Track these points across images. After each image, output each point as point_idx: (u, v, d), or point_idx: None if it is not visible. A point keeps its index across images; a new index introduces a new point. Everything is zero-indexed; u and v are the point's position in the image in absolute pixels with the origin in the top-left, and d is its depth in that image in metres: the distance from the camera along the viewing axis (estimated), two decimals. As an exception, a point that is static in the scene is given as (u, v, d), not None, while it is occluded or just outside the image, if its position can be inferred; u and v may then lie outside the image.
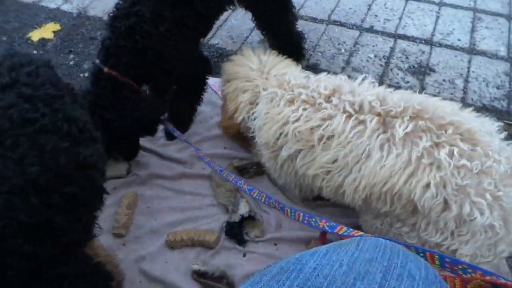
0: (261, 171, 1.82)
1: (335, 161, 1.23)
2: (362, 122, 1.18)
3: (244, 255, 1.58)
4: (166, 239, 1.61)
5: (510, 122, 2.03)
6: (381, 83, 2.28)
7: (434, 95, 2.18)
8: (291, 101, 1.36)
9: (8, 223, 0.89)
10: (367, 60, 2.43)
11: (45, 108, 1.04)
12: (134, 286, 1.50)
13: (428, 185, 1.06)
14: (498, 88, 2.22)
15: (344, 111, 1.23)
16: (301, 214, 1.19)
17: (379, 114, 1.17)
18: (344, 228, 1.06)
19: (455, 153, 1.03)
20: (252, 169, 1.83)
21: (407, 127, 1.10)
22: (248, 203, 1.69)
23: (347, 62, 2.42)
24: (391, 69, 2.36)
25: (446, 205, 1.06)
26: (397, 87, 2.25)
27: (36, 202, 0.93)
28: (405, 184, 1.09)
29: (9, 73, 1.06)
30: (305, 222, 1.21)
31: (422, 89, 2.24)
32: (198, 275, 1.49)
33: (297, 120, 1.30)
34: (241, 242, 1.60)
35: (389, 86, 2.24)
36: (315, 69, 2.37)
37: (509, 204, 1.03)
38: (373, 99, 1.20)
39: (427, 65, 2.37)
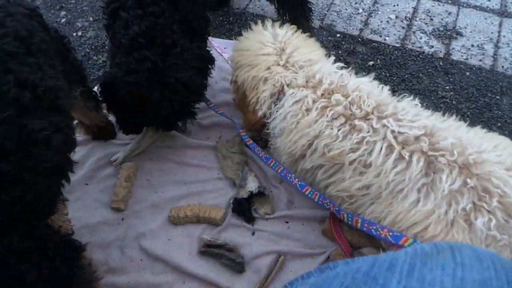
0: (267, 143, 1.68)
1: (364, 188, 1.14)
2: (404, 158, 1.07)
3: (253, 234, 1.46)
4: (169, 215, 1.49)
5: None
6: (402, 47, 2.08)
7: (461, 62, 2.00)
8: (324, 109, 1.20)
9: None
10: (387, 21, 2.22)
11: None
12: (134, 264, 1.39)
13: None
14: (531, 54, 2.02)
15: (385, 139, 1.10)
16: (360, 220, 1.14)
17: (424, 153, 1.06)
18: (410, 240, 1.04)
19: (491, 225, 0.97)
20: (260, 141, 1.68)
21: (454, 182, 1.01)
22: (257, 178, 1.55)
23: (366, 23, 2.21)
24: (414, 32, 2.15)
25: None
26: (420, 52, 2.06)
27: None
28: (435, 236, 1.02)
29: None
30: (364, 229, 1.15)
31: (448, 54, 2.04)
32: (208, 246, 1.39)
33: (330, 137, 1.17)
34: (250, 219, 1.48)
35: (411, 50, 2.07)
36: (329, 30, 2.17)
37: None
38: (421, 134, 1.07)
39: (453, 28, 2.16)
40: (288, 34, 1.41)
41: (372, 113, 1.15)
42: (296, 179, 1.31)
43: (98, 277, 1.24)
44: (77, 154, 1.58)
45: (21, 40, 0.97)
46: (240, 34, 1.51)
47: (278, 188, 1.56)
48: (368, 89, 1.22)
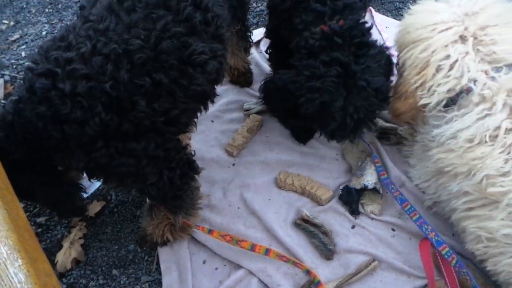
0: (401, 141, 1.53)
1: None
2: None
3: (353, 227, 1.37)
4: (276, 177, 1.48)
5: None
6: None
7: None
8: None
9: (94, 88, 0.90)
10: None
11: None
12: (231, 209, 1.43)
13: None
14: None
15: None
16: (417, 215, 1.21)
17: None
18: (447, 249, 1.17)
19: None
20: (394, 137, 1.54)
21: None
22: (376, 173, 1.43)
23: None
24: None
25: None
26: None
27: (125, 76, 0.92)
28: None
29: None
30: (417, 223, 1.26)
31: None
32: (304, 220, 1.35)
33: (497, 172, 0.97)
34: (354, 212, 1.39)
35: None
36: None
37: None
38: None
39: None
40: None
41: None
42: (431, 230, 1.23)
43: (199, 207, 1.31)
44: (214, 91, 1.66)
45: None
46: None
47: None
48: None
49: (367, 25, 1.18)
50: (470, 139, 1.01)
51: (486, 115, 0.99)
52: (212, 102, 1.22)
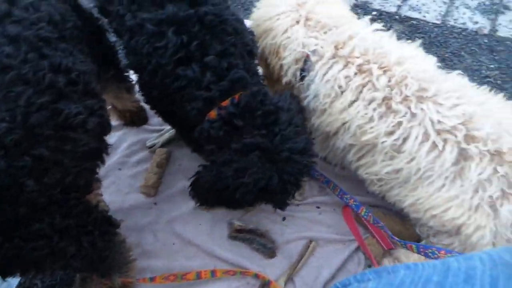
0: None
1: (393, 172, 1.11)
2: (438, 147, 1.02)
3: (284, 219, 1.44)
4: (199, 200, 1.49)
5: None
6: (443, 24, 1.95)
7: (509, 38, 1.85)
8: (360, 87, 1.10)
9: None
10: (427, -4, 2.09)
11: (29, 53, 0.88)
12: (167, 248, 1.41)
13: (480, 228, 1.01)
14: None
15: (421, 125, 1.04)
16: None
17: (458, 142, 1.01)
18: (364, 210, 1.31)
19: None
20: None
21: (483, 172, 0.98)
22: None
23: (404, 0, 2.09)
24: (457, 8, 2.01)
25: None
26: (463, 28, 1.92)
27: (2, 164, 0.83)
28: (455, 219, 1.03)
29: (3, 3, 0.90)
30: (339, 197, 1.37)
31: (494, 30, 1.90)
32: (238, 231, 1.39)
33: (364, 118, 1.11)
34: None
35: (453, 27, 1.94)
36: (365, 8, 2.06)
37: None
38: (458, 123, 1.01)
39: (500, 1, 2.00)
40: None
41: (412, 95, 1.07)
42: (350, 198, 1.36)
43: (132, 259, 1.28)
44: (110, 140, 1.61)
45: (54, 25, 0.98)
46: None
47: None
48: (412, 65, 1.10)
49: (263, 91, 1.08)
50: (328, 94, 1.15)
51: (328, 69, 1.15)
52: (107, 154, 1.20)
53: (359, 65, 1.11)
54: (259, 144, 1.00)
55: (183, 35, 1.04)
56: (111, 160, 1.63)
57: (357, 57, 1.12)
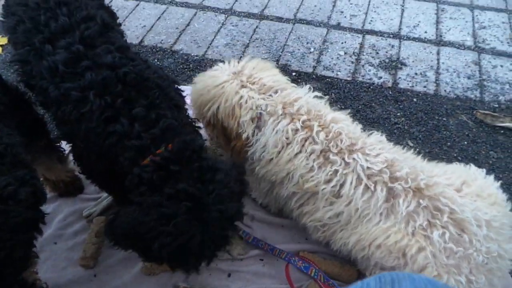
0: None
1: (334, 216, 1.24)
2: (370, 188, 1.18)
3: (229, 275, 1.47)
4: (142, 266, 1.47)
5: (485, 112, 2.03)
6: (354, 80, 2.23)
7: (408, 90, 2.16)
8: (303, 141, 1.25)
9: None
10: (338, 57, 2.38)
11: None
12: (110, 322, 1.36)
13: (422, 249, 1.11)
14: (469, 78, 2.22)
15: (354, 171, 1.20)
16: (285, 253, 1.26)
17: (385, 183, 1.18)
18: (314, 270, 1.39)
19: (446, 237, 1.09)
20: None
21: (409, 205, 1.13)
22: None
23: (318, 61, 2.36)
24: (363, 66, 2.32)
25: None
26: (370, 83, 2.21)
27: None
28: (398, 242, 1.13)
29: None
30: (286, 259, 1.46)
31: (396, 84, 2.21)
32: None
33: (306, 168, 1.24)
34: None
35: (362, 82, 2.22)
36: (285, 70, 2.29)
37: None
38: (383, 167, 1.19)
39: (397, 59, 2.35)
40: (242, 61, 1.44)
41: (345, 148, 1.23)
42: (298, 260, 1.45)
43: None
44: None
45: None
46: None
47: (250, 227, 1.59)
48: (344, 125, 1.28)
49: (198, 142, 1.10)
50: (275, 145, 1.28)
51: (277, 124, 1.29)
52: (44, 223, 1.16)
53: (303, 121, 1.27)
54: (194, 194, 0.98)
55: (106, 96, 1.08)
56: (46, 234, 1.55)
57: (302, 115, 1.28)
